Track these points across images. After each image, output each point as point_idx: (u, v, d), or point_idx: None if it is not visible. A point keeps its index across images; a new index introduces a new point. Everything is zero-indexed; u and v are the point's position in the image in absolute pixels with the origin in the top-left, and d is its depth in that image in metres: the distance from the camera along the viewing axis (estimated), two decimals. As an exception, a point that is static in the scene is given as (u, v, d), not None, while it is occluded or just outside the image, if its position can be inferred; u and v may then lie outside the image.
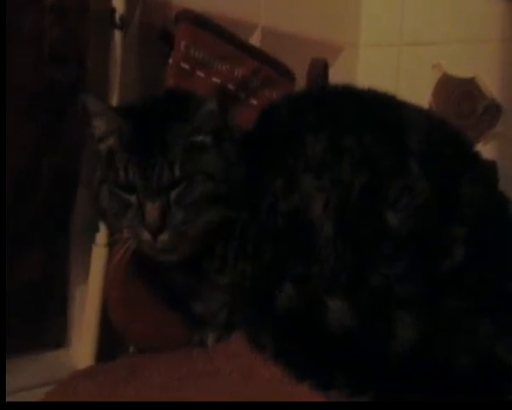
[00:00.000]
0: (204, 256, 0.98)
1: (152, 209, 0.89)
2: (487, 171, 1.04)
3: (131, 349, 1.27)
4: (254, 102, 1.38)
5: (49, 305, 1.27)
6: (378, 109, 0.99)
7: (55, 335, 1.29)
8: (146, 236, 0.91)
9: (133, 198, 0.92)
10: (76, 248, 1.25)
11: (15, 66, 1.10)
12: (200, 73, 1.29)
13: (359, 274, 0.91)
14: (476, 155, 1.02)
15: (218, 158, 0.94)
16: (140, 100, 1.06)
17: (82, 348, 1.25)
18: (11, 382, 1.09)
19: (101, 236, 1.20)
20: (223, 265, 0.98)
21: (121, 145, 0.94)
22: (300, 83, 1.52)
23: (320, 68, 1.41)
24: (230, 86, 1.33)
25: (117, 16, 1.21)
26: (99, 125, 0.97)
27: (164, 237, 0.90)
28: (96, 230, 1.20)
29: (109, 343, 1.27)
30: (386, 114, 0.98)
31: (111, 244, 1.15)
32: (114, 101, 1.21)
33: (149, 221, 0.89)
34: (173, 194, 0.91)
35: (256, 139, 1.01)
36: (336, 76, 1.68)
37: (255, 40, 1.54)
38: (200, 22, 1.31)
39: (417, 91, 1.77)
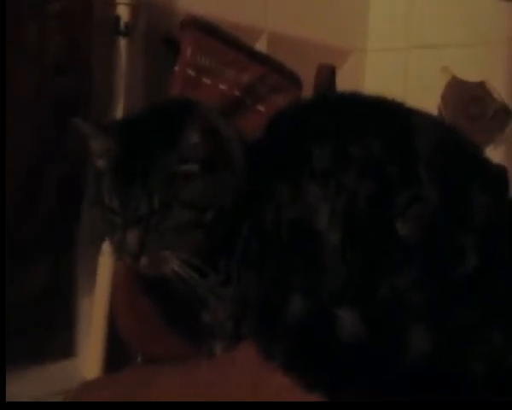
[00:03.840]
0: (208, 270, 0.97)
1: (131, 236, 0.92)
2: (498, 178, 1.02)
3: (139, 359, 1.26)
4: (261, 108, 1.37)
5: (56, 315, 1.26)
6: (386, 117, 0.97)
7: (62, 345, 1.28)
8: (128, 258, 0.93)
9: (119, 220, 0.93)
10: (82, 257, 1.24)
11: (18, 76, 1.10)
12: (206, 80, 1.28)
13: (369, 284, 0.89)
14: (486, 162, 1.00)
15: (205, 186, 0.93)
16: (136, 113, 1.04)
17: (89, 358, 1.24)
18: (19, 392, 1.08)
19: (108, 245, 1.19)
20: (227, 278, 0.97)
21: (108, 169, 0.95)
22: (307, 88, 1.51)
23: (327, 74, 1.40)
24: (237, 93, 1.32)
25: (122, 24, 1.21)
26: (94, 145, 0.98)
27: (143, 261, 0.92)
28: (103, 239, 1.19)
29: (117, 353, 1.26)
30: (395, 121, 0.96)
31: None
32: (120, 109, 1.20)
33: (128, 247, 0.92)
34: (151, 222, 0.92)
35: (262, 148, 1.00)
36: (344, 81, 1.66)
37: (261, 46, 1.53)
38: (206, 28, 1.30)
39: (426, 95, 1.76)
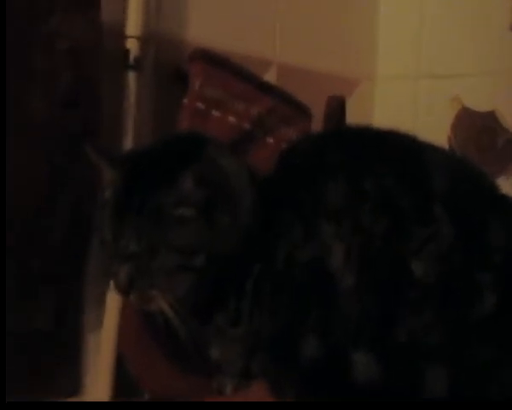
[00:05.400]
0: (215, 310, 0.95)
1: (121, 272, 0.91)
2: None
3: (146, 397, 1.23)
4: (271, 140, 1.35)
5: (63, 351, 1.23)
6: (400, 152, 0.96)
7: (68, 382, 1.25)
8: (119, 293, 0.94)
9: (112, 253, 0.93)
10: (90, 293, 1.22)
11: (28, 108, 1.09)
12: (215, 113, 1.27)
13: (384, 325, 0.87)
14: (502, 197, 0.99)
15: (197, 231, 0.90)
16: (145, 146, 1.04)
17: (96, 395, 1.22)
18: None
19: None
20: (236, 318, 0.95)
21: (109, 200, 0.94)
22: (316, 119, 1.50)
23: (337, 106, 1.39)
24: (246, 125, 1.31)
25: (131, 57, 1.20)
26: (104, 174, 0.97)
27: (132, 297, 0.93)
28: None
29: (124, 391, 1.23)
30: (409, 156, 0.95)
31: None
32: (128, 142, 1.19)
33: (117, 283, 0.92)
34: (140, 260, 0.91)
35: (274, 183, 0.98)
36: (353, 110, 1.66)
37: (270, 77, 1.52)
38: (216, 61, 1.29)
39: (435, 124, 1.75)
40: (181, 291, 0.92)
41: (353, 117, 1.64)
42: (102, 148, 1.01)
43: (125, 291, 0.92)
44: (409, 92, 1.83)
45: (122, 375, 1.20)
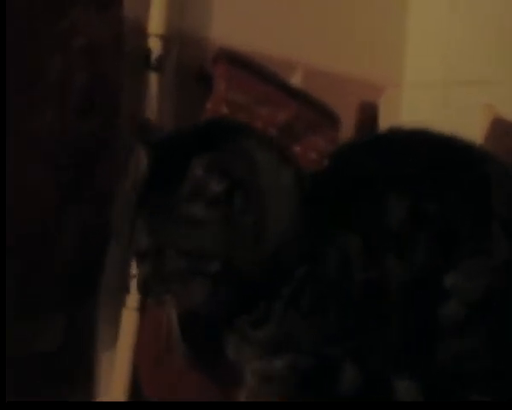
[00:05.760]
0: (237, 313, 0.86)
1: (138, 273, 0.85)
2: None
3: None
4: (298, 148, 1.28)
5: (76, 369, 1.17)
6: (462, 163, 0.90)
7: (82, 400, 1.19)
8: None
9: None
10: (105, 310, 1.15)
11: (38, 113, 1.02)
12: (241, 117, 1.19)
13: (428, 348, 0.83)
14: None
15: (212, 233, 0.80)
16: (177, 131, 0.96)
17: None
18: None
19: (132, 298, 1.11)
20: (263, 318, 0.85)
21: (133, 190, 0.86)
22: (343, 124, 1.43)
23: (370, 112, 1.32)
24: (272, 131, 1.24)
25: (153, 57, 1.13)
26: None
27: (150, 301, 0.90)
28: (127, 291, 1.10)
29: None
30: (471, 169, 0.89)
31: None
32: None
33: (138, 285, 0.86)
34: (152, 262, 0.83)
35: (325, 185, 0.89)
36: (380, 117, 1.60)
37: (296, 80, 1.45)
38: (240, 62, 1.23)
39: (463, 132, 1.67)
40: (197, 299, 0.83)
41: (380, 123, 1.58)
42: (147, 128, 0.94)
43: (143, 293, 0.88)
44: (436, 99, 1.77)
45: (136, 393, 1.14)
